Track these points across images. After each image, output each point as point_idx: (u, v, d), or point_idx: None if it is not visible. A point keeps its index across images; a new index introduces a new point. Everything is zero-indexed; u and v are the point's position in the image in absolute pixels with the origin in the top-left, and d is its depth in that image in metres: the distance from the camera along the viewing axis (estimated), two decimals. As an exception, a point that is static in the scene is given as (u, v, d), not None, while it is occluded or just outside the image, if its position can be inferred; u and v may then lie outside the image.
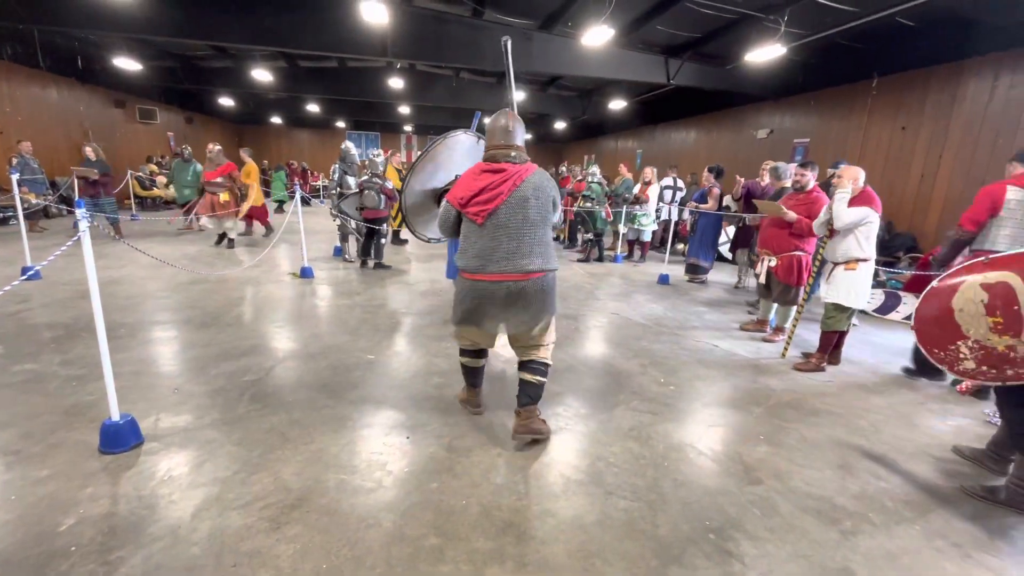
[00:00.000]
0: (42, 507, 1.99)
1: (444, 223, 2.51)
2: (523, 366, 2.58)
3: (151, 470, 2.25)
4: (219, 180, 7.77)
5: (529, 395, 2.55)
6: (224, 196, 8.55)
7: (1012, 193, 3.30)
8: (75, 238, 2.27)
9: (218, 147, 8.12)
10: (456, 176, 2.92)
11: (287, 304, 5.02)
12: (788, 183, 5.02)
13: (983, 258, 2.16)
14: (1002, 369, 2.13)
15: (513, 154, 2.38)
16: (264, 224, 9.27)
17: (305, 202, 14.08)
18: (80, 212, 2.25)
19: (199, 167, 8.75)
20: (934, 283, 2.34)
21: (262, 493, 2.13)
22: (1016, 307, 2.03)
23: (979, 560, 1.95)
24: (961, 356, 2.24)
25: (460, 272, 2.46)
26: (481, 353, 2.77)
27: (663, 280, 6.79)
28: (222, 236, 8.06)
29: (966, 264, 2.26)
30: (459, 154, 2.98)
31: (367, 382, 3.28)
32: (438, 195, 3.02)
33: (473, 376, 2.84)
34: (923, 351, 2.40)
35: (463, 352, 2.78)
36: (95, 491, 2.09)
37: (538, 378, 2.55)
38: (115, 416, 2.38)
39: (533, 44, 9.02)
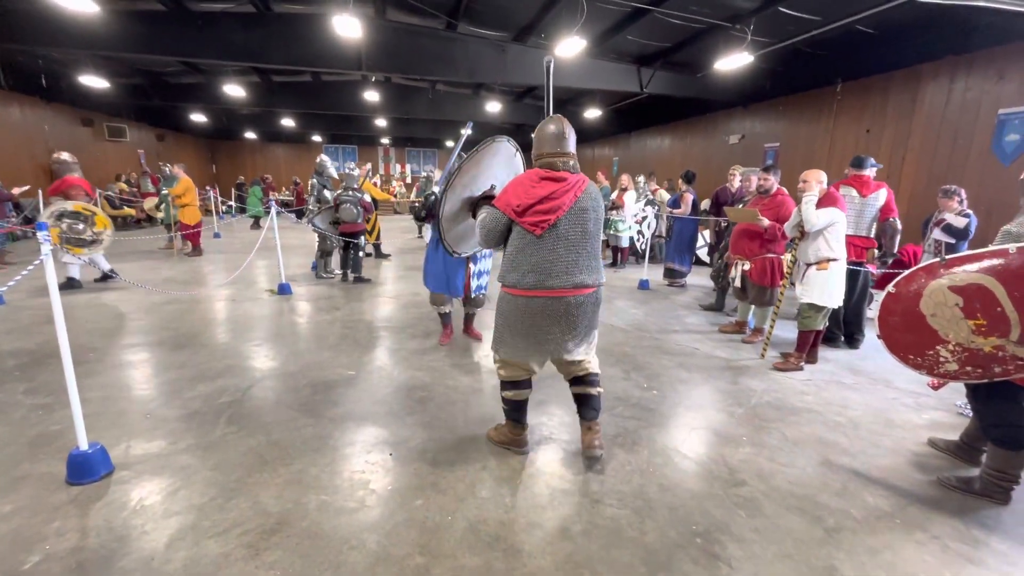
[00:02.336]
0: (5, 545, 1.89)
1: (491, 232, 2.31)
2: (579, 380, 2.50)
3: (122, 500, 2.16)
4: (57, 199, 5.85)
5: (595, 408, 2.50)
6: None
7: (843, 190, 4.28)
8: (37, 260, 2.20)
9: (64, 156, 6.11)
10: (492, 185, 2.77)
11: (264, 322, 4.92)
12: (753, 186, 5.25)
13: (939, 259, 2.18)
14: (989, 368, 2.13)
15: (572, 163, 2.30)
16: (195, 245, 8.76)
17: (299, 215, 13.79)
18: (42, 235, 2.17)
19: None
20: (890, 289, 2.32)
21: (240, 519, 2.06)
22: (999, 308, 2.02)
23: (957, 551, 1.99)
24: (942, 360, 2.22)
25: (509, 290, 2.30)
26: (528, 383, 2.53)
27: (643, 285, 6.85)
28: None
29: (921, 267, 2.24)
30: (498, 162, 2.78)
31: (348, 399, 3.22)
32: (473, 203, 2.75)
33: (519, 411, 2.55)
34: (896, 359, 2.36)
35: (508, 385, 2.49)
36: (62, 525, 2.00)
37: (598, 389, 2.51)
38: (83, 445, 2.29)
39: (507, 56, 9.12)
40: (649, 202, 7.83)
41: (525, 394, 2.53)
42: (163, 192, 8.81)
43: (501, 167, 2.81)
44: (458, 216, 2.76)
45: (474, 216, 2.69)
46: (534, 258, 2.22)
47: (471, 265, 3.95)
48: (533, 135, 2.39)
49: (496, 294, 2.51)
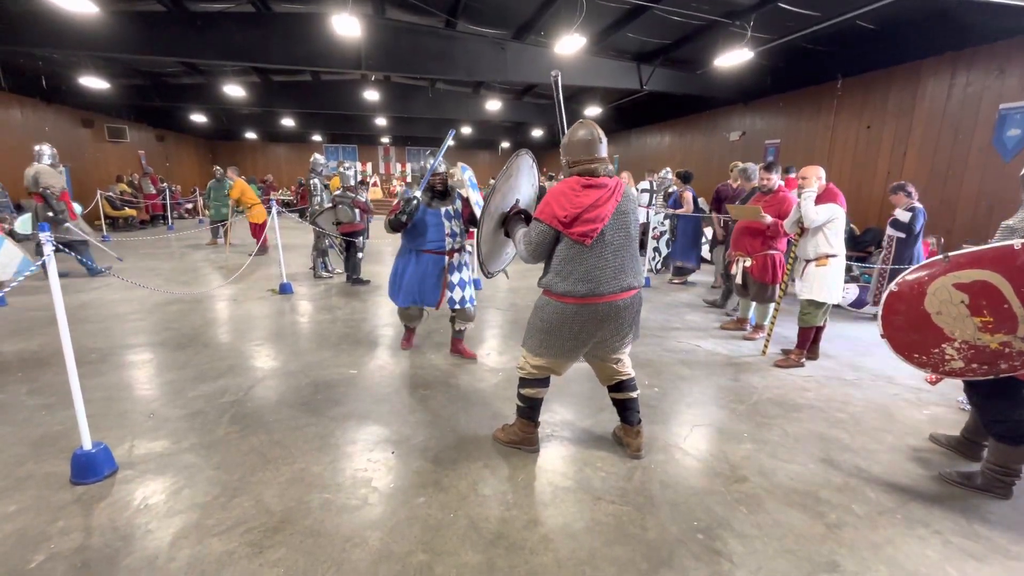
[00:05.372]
0: (10, 544, 1.90)
1: (539, 246, 2.25)
2: (621, 387, 2.54)
3: (126, 499, 2.17)
4: None
5: (637, 411, 2.57)
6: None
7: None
8: (39, 261, 2.20)
9: None
10: (517, 200, 2.67)
11: (266, 321, 4.93)
12: (757, 183, 5.17)
13: (941, 257, 2.15)
14: (995, 364, 2.12)
15: (610, 167, 2.28)
16: (263, 244, 8.71)
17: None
18: (44, 236, 2.18)
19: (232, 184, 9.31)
20: (892, 288, 2.28)
21: (243, 517, 2.07)
22: (1006, 305, 2.00)
23: (959, 546, 1.99)
24: (947, 358, 2.21)
25: (561, 298, 2.26)
26: (548, 381, 2.56)
27: (644, 283, 6.83)
28: None
29: (923, 264, 2.22)
30: (523, 177, 2.70)
31: (350, 398, 3.23)
32: (503, 220, 2.63)
33: (535, 409, 2.58)
34: (900, 358, 2.34)
35: (530, 383, 2.51)
36: (67, 524, 2.01)
37: (638, 392, 2.58)
38: (87, 445, 2.30)
39: (507, 54, 9.11)
40: (668, 217, 7.53)
41: (544, 393, 2.56)
42: (228, 186, 9.30)
43: (524, 181, 2.75)
44: (492, 236, 2.66)
45: (506, 234, 2.62)
46: (583, 267, 2.20)
47: (451, 275, 3.61)
48: (563, 142, 2.35)
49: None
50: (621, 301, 2.28)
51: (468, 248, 3.68)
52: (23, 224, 6.84)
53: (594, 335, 2.32)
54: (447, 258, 3.57)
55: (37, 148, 6.52)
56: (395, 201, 3.41)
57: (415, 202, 3.33)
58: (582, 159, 2.26)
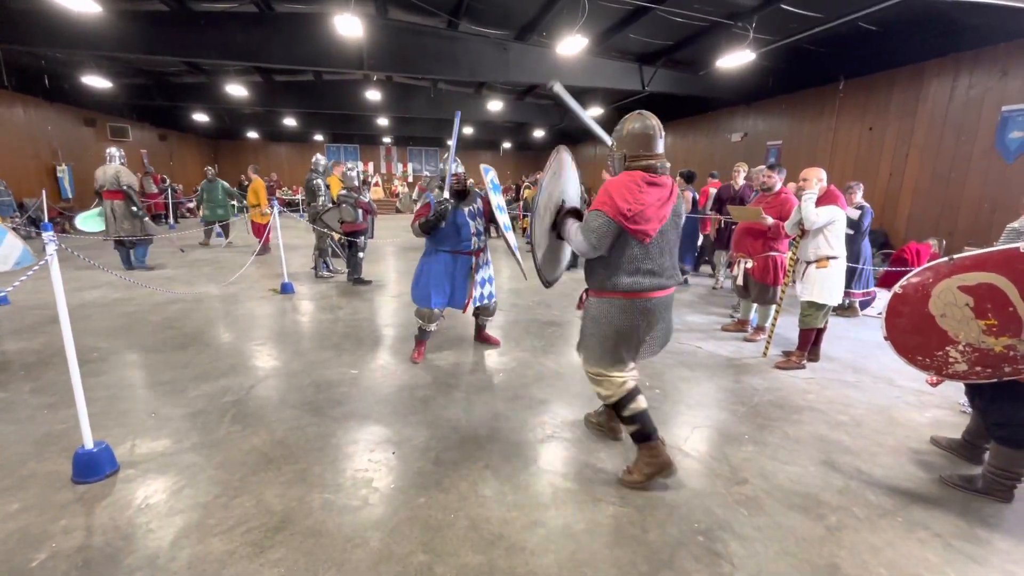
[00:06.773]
0: (12, 543, 1.91)
1: (601, 237, 2.12)
2: None
3: (127, 498, 2.18)
4: None
5: None
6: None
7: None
8: (42, 261, 2.21)
9: None
10: (563, 200, 2.52)
11: (267, 321, 4.94)
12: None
13: (946, 259, 2.14)
14: (999, 367, 2.12)
15: (668, 164, 2.22)
16: (265, 244, 8.59)
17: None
18: (47, 235, 2.19)
19: (226, 185, 9.48)
20: (896, 289, 2.27)
21: (244, 517, 2.08)
22: (1011, 308, 1.99)
23: (959, 549, 1.99)
24: (951, 360, 2.20)
25: (621, 294, 2.20)
26: (639, 388, 2.38)
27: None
28: None
29: (928, 266, 2.20)
30: (567, 175, 2.58)
31: (351, 398, 3.23)
32: (554, 222, 2.47)
33: (648, 424, 2.30)
34: (903, 360, 2.33)
35: (625, 400, 2.29)
36: (69, 523, 2.02)
37: None
38: (88, 444, 2.30)
39: (509, 54, 9.12)
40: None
41: (644, 401, 2.32)
42: (220, 186, 9.42)
43: (569, 177, 2.64)
44: (546, 240, 2.48)
45: (558, 236, 2.48)
46: (641, 264, 2.17)
47: (477, 273, 3.71)
48: (620, 133, 2.23)
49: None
50: (667, 297, 2.30)
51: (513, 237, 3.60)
52: (90, 221, 7.00)
53: (649, 331, 2.29)
54: (474, 258, 3.66)
55: (108, 151, 7.02)
56: (416, 204, 3.48)
57: (447, 205, 3.38)
58: (640, 154, 2.17)
